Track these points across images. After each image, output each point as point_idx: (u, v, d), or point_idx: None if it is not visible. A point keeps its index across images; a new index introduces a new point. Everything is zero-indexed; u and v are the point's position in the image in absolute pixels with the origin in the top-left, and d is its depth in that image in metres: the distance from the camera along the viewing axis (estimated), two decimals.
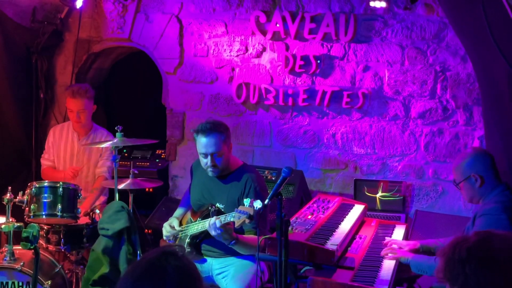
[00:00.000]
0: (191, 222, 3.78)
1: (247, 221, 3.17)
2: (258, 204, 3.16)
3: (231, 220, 3.25)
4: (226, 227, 3.33)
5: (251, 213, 3.14)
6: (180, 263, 1.70)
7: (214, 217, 3.39)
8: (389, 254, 3.47)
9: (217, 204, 3.68)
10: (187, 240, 3.73)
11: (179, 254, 1.72)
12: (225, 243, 3.43)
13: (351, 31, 5.06)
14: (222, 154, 3.63)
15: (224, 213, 3.50)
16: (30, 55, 5.71)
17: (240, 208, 3.21)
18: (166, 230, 3.81)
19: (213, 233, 3.36)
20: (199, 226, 3.65)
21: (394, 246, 3.65)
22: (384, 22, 5.05)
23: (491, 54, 3.46)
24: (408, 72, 5.03)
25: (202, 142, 3.62)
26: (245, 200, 3.25)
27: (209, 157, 3.63)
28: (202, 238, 3.73)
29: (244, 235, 3.53)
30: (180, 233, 3.80)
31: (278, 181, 2.98)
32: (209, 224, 3.37)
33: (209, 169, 3.68)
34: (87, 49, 5.92)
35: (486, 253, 1.76)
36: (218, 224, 3.30)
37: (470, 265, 1.74)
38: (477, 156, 3.38)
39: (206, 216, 3.67)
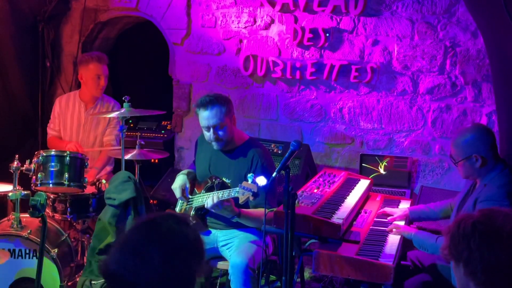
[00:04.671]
0: (196, 193, 3.79)
1: (251, 198, 3.18)
2: (261, 181, 3.16)
3: (235, 196, 3.25)
4: (224, 204, 3.35)
5: (255, 190, 3.14)
6: (179, 228, 1.66)
7: (212, 193, 3.41)
8: (394, 230, 3.49)
9: (224, 179, 3.68)
10: (192, 212, 3.75)
11: (183, 220, 1.69)
12: (228, 217, 3.47)
13: (361, 4, 4.99)
14: (224, 126, 3.59)
15: (229, 187, 3.51)
16: (37, 24, 5.67)
17: (244, 184, 3.20)
18: (178, 192, 3.79)
19: (213, 210, 3.39)
20: (203, 198, 3.65)
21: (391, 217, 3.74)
22: None
23: (505, 31, 3.42)
24: (417, 47, 4.98)
25: (204, 115, 3.59)
26: (248, 175, 3.25)
27: (211, 130, 3.60)
28: (206, 210, 3.74)
29: (248, 210, 3.54)
30: (185, 204, 3.81)
31: (287, 154, 2.97)
32: (207, 202, 3.38)
33: (213, 142, 3.66)
34: (93, 18, 5.87)
35: (490, 228, 1.75)
36: (215, 200, 3.32)
37: (474, 240, 1.74)
38: (479, 135, 3.21)
39: (210, 188, 3.67)
